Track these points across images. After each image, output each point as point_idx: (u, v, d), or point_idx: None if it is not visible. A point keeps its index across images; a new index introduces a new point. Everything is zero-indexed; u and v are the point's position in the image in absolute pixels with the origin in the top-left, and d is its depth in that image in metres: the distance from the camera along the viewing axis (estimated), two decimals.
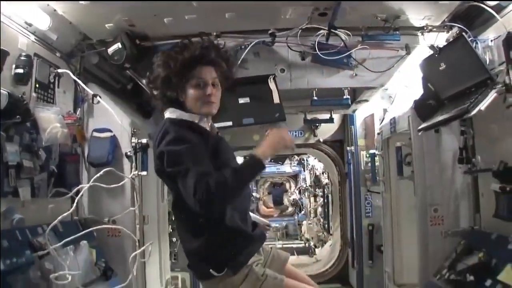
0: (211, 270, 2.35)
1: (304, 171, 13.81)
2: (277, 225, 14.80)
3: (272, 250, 2.76)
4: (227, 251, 2.32)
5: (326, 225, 9.80)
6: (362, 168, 6.32)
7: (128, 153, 3.85)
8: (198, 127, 2.37)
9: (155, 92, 2.48)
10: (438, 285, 3.36)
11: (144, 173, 4.02)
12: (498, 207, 3.09)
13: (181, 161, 2.19)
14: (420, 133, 3.74)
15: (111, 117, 3.82)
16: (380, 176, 5.21)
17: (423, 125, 3.64)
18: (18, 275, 2.49)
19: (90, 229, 3.25)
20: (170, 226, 5.48)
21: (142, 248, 3.34)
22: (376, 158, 5.54)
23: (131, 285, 3.62)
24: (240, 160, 3.17)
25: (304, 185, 14.02)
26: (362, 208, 6.33)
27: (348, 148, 6.61)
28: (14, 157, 2.78)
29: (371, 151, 5.80)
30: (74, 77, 3.74)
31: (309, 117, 5.83)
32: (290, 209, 17.50)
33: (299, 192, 15.56)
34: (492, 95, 2.85)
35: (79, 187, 3.23)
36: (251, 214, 2.78)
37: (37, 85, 3.28)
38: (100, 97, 3.86)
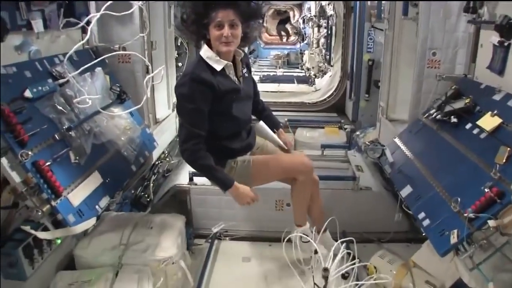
0: None
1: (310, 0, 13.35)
2: (278, 52, 14.94)
3: (261, 143, 3.53)
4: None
5: (328, 56, 9.88)
6: (369, 3, 6.21)
7: None
8: (211, 82, 2.89)
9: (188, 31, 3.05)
10: (424, 123, 3.66)
11: None
12: (493, 59, 3.19)
13: (184, 116, 2.99)
14: None
15: None
16: (385, 14, 5.17)
17: None
18: (45, 101, 2.70)
19: (104, 56, 3.37)
20: (176, 52, 5.62)
21: (156, 71, 3.46)
22: None
23: (142, 108, 3.88)
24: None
25: (309, 15, 13.71)
26: (364, 42, 6.39)
27: None
28: None
29: None
30: None
31: None
32: (293, 38, 17.36)
33: (303, 22, 15.27)
34: None
35: (90, 16, 3.24)
36: (267, 131, 3.53)
37: None
38: None
